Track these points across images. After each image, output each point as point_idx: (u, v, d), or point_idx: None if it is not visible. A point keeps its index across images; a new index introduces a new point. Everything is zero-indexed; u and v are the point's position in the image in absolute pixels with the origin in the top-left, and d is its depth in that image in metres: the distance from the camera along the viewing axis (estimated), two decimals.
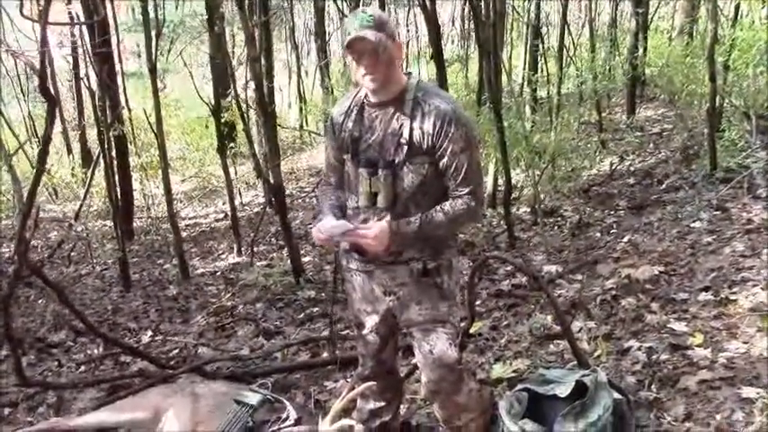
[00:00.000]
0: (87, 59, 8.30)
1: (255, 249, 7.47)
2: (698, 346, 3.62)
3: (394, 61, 2.49)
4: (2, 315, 3.36)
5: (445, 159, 2.50)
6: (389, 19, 2.47)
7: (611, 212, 6.68)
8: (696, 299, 4.19)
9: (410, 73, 2.66)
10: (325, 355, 4.41)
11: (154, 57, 6.65)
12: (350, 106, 2.68)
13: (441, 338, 2.67)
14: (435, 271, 2.66)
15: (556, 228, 6.52)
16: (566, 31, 9.91)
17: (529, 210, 7.03)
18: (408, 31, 21.12)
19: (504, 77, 7.99)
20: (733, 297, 4.10)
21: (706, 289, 4.29)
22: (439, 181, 2.56)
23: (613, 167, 8.08)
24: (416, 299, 2.68)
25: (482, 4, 6.57)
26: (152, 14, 9.13)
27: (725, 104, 7.63)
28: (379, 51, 2.43)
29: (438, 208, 2.53)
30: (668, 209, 6.28)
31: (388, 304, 2.75)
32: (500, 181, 7.14)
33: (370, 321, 2.85)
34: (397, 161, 2.53)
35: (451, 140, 2.47)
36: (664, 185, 7.09)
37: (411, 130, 2.50)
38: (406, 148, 2.51)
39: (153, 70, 6.45)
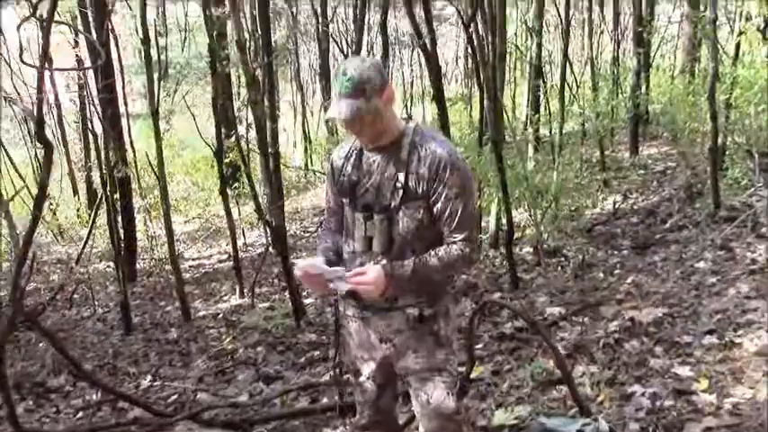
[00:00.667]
0: (91, 102, 8.34)
1: (257, 291, 7.43)
2: (703, 391, 3.55)
3: (382, 115, 2.46)
4: None
5: (440, 204, 2.48)
6: (374, 72, 2.40)
7: (615, 252, 6.63)
8: (701, 342, 4.12)
9: (410, 117, 2.66)
10: (325, 400, 4.35)
11: (156, 99, 6.68)
12: (350, 150, 2.68)
13: (438, 387, 2.63)
14: (432, 318, 2.62)
15: (559, 268, 6.46)
16: (568, 70, 9.98)
17: (531, 250, 6.98)
18: (412, 70, 21.31)
19: (506, 116, 8.02)
20: (738, 340, 4.04)
21: (711, 332, 4.23)
22: (434, 226, 2.53)
23: (616, 206, 8.04)
24: (413, 347, 2.64)
25: (484, 44, 6.61)
26: (158, 57, 9.25)
27: (727, 143, 7.61)
28: (359, 117, 2.41)
29: (432, 252, 2.50)
30: (672, 248, 6.23)
31: (385, 352, 2.71)
32: (502, 221, 7.12)
33: (367, 369, 2.81)
34: (392, 206, 2.52)
35: (446, 185, 2.46)
36: (667, 224, 7.04)
37: (407, 174, 2.49)
38: (401, 192, 2.50)
39: (155, 113, 6.48)
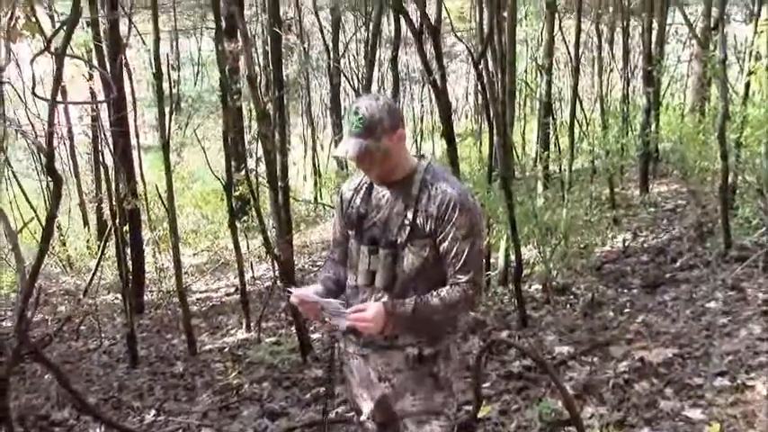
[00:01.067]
0: (103, 135, 8.40)
1: (264, 325, 7.39)
2: None
3: (391, 154, 2.48)
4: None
5: (446, 244, 2.47)
6: (386, 113, 2.42)
7: (625, 291, 6.57)
8: (712, 384, 4.06)
9: (422, 156, 2.66)
10: None
11: (167, 132, 6.72)
12: (360, 183, 2.70)
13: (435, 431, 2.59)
14: (432, 358, 2.60)
15: (568, 306, 6.41)
16: (577, 107, 10.01)
17: (540, 287, 6.93)
18: (422, 106, 21.42)
19: (515, 153, 8.02)
20: (750, 383, 3.98)
21: (722, 374, 4.17)
22: (439, 266, 2.52)
23: (626, 244, 8.00)
24: (411, 388, 2.61)
25: (493, 80, 6.63)
26: (170, 91, 9.32)
27: (738, 182, 7.58)
28: (368, 155, 2.44)
29: (434, 292, 2.48)
30: (682, 288, 6.18)
31: (383, 391, 2.68)
32: (511, 258, 7.07)
33: (367, 407, 2.78)
34: (398, 242, 2.52)
35: (454, 225, 2.45)
36: (678, 263, 6.99)
37: (415, 212, 2.50)
38: (408, 229, 2.50)
39: (166, 146, 6.51)
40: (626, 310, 5.98)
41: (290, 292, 2.62)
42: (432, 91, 6.92)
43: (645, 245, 7.98)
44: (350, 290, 2.68)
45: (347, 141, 2.42)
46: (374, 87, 16.19)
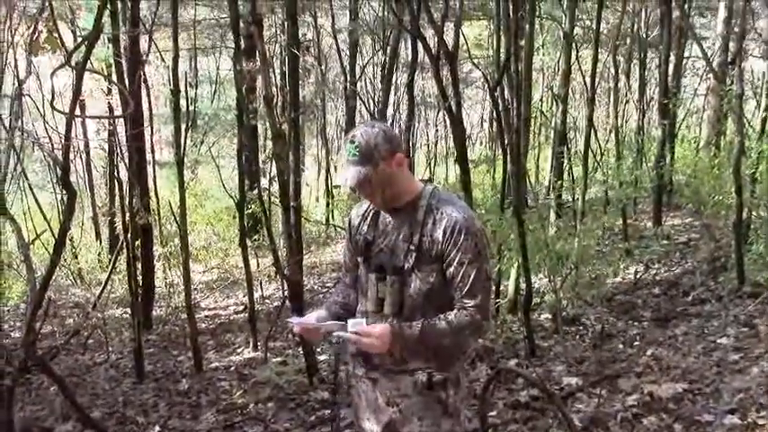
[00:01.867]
0: (119, 149, 8.46)
1: (271, 345, 7.36)
2: None
3: (392, 180, 2.50)
4: (5, 409, 3.29)
5: (452, 269, 2.47)
6: (381, 139, 2.45)
7: (635, 323, 6.52)
8: (722, 421, 4.01)
9: (429, 180, 2.67)
10: None
11: (182, 149, 6.75)
12: (367, 210, 2.71)
13: None
14: (441, 385, 2.57)
15: (577, 337, 6.36)
16: (592, 137, 10.00)
17: (550, 317, 6.88)
18: (437, 131, 21.48)
19: (529, 181, 8.01)
20: (762, 422, 3.92)
21: (732, 411, 4.11)
22: (447, 291, 2.51)
23: (638, 276, 7.95)
24: (418, 414, 2.58)
25: (509, 108, 6.64)
26: (187, 108, 9.40)
27: (753, 217, 7.53)
28: (367, 184, 2.46)
29: (441, 316, 2.48)
30: (694, 322, 6.12)
31: (391, 416, 2.65)
32: (521, 286, 7.04)
33: None
34: (405, 267, 2.52)
35: (460, 250, 2.45)
36: (690, 297, 6.94)
37: (421, 236, 2.50)
38: (414, 254, 2.51)
39: (180, 162, 6.54)
40: (636, 343, 5.93)
41: (291, 322, 2.64)
42: (447, 117, 6.94)
43: (657, 277, 7.92)
44: (359, 315, 2.67)
45: (346, 170, 2.46)
46: (390, 111, 16.25)
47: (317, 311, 2.75)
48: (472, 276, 2.45)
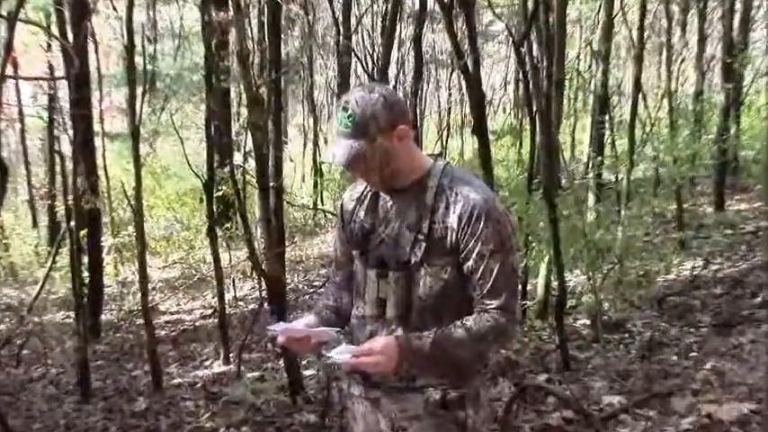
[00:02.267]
0: (61, 118, 8.45)
1: (246, 357, 7.39)
2: None
3: (392, 157, 2.47)
4: None
5: (470, 262, 2.45)
6: (381, 107, 2.42)
7: (692, 330, 6.54)
8: None
9: (439, 154, 2.65)
10: None
11: (138, 118, 6.73)
12: (364, 192, 2.69)
13: None
14: (457, 403, 2.56)
15: (621, 347, 6.38)
16: (640, 103, 9.98)
17: (588, 322, 6.90)
18: (450, 95, 21.45)
19: (562, 156, 8.01)
20: None
21: None
22: (464, 289, 2.49)
23: (695, 273, 7.96)
24: None
25: (538, 67, 6.63)
26: (144, 68, 9.37)
27: None
28: (362, 161, 2.45)
29: (458, 323, 2.45)
30: (762, 329, 6.13)
31: None
32: (553, 285, 7.04)
33: None
34: (412, 261, 2.49)
35: (479, 239, 2.42)
36: (758, 299, 6.95)
37: (431, 223, 2.47)
38: (423, 245, 2.48)
39: (135, 134, 6.52)
40: (692, 354, 5.95)
41: (274, 331, 2.59)
42: (462, 78, 6.92)
43: (718, 274, 7.93)
44: (356, 321, 2.66)
45: (336, 143, 2.45)
46: (392, 72, 16.22)
47: (304, 318, 2.74)
48: (495, 271, 2.43)
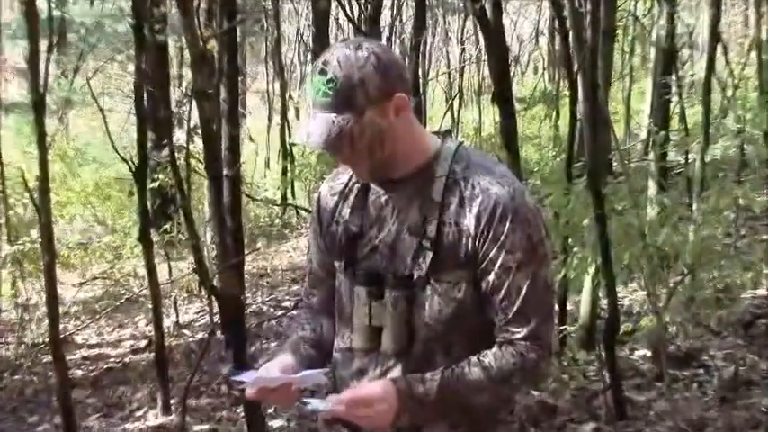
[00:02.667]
0: None
1: (192, 404, 7.39)
2: None
3: (386, 136, 2.46)
4: None
5: (492, 277, 2.44)
6: (372, 70, 2.38)
7: None
8: None
9: (448, 131, 2.66)
10: None
11: (44, 83, 6.73)
12: (348, 183, 2.69)
13: None
14: None
15: (694, 386, 6.41)
16: (718, 58, 10.02)
17: (649, 354, 6.93)
18: (463, 50, 21.45)
19: (613, 132, 8.01)
20: None
21: None
22: (483, 312, 2.50)
23: None
24: None
25: (580, 12, 6.65)
26: (50, 14, 9.38)
27: None
28: (348, 142, 2.43)
29: (474, 359, 2.45)
30: None
31: None
32: (601, 303, 7.06)
33: None
34: (415, 276, 2.49)
35: (503, 246, 2.42)
36: None
37: (440, 225, 2.47)
38: (430, 254, 2.46)
39: (39, 105, 6.51)
40: None
41: (241, 382, 2.55)
42: (479, 27, 6.94)
43: None
44: (339, 354, 2.67)
45: (311, 119, 2.44)
46: (385, 19, 16.22)
47: (277, 357, 2.67)
48: (524, 289, 2.43)
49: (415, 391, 2.42)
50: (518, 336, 2.45)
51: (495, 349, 2.47)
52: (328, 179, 2.79)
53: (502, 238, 2.41)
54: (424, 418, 2.49)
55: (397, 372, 2.50)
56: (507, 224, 2.41)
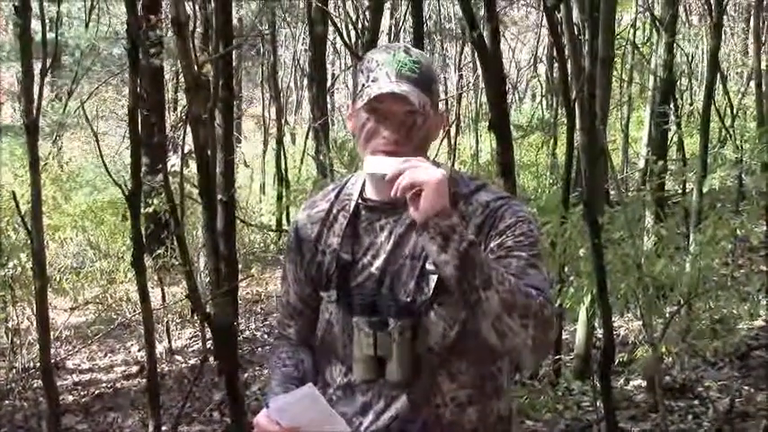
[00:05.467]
0: None
1: (185, 430, 7.39)
2: None
3: (429, 141, 2.51)
4: None
5: (495, 255, 2.41)
6: (438, 75, 2.47)
7: None
8: None
9: (437, 164, 2.62)
10: None
11: (37, 105, 6.76)
12: (330, 210, 2.65)
13: None
14: None
15: (689, 417, 6.41)
16: (717, 87, 10.05)
17: (644, 384, 6.94)
18: (461, 77, 21.50)
19: (610, 161, 8.04)
20: None
21: None
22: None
23: None
24: None
25: (578, 40, 6.69)
26: (43, 37, 9.41)
27: None
28: (418, 122, 2.41)
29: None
30: None
31: None
32: (597, 333, 7.08)
33: None
34: (419, 301, 2.46)
35: (506, 234, 2.43)
36: None
37: None
38: (435, 277, 2.43)
39: (32, 128, 6.54)
40: None
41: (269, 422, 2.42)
42: (476, 54, 6.98)
43: None
44: (338, 393, 2.61)
45: (398, 84, 2.38)
46: (383, 44, 16.26)
47: (278, 397, 2.51)
48: (529, 267, 2.39)
49: (455, 221, 2.29)
50: (530, 287, 2.34)
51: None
52: (305, 207, 2.74)
53: (505, 228, 2.43)
54: (447, 247, 2.28)
55: (402, 401, 2.48)
56: (508, 219, 2.44)
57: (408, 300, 2.47)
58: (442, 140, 18.69)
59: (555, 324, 2.45)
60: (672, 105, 11.26)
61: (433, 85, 2.43)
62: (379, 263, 2.53)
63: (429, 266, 2.44)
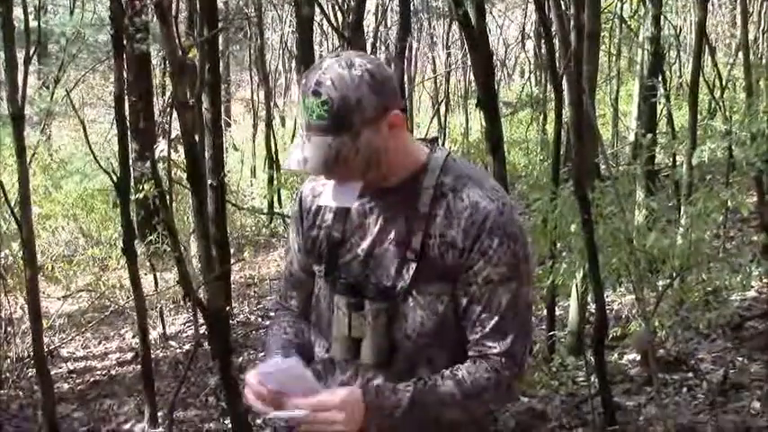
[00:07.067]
0: None
1: (180, 416, 7.39)
2: None
3: (380, 153, 2.42)
4: None
5: (473, 288, 2.44)
6: (366, 88, 2.32)
7: None
8: None
9: (435, 139, 2.63)
10: None
11: (22, 94, 6.73)
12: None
13: None
14: None
15: (684, 390, 6.42)
16: (705, 59, 10.04)
17: (638, 358, 6.94)
18: (448, 55, 21.46)
19: (599, 135, 8.03)
20: None
21: None
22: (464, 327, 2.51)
23: None
24: None
25: (563, 15, 6.67)
26: (25, 24, 9.38)
27: None
28: (343, 155, 2.36)
29: (448, 372, 2.44)
30: None
31: None
32: (590, 308, 7.08)
33: None
34: (398, 287, 2.48)
35: (489, 260, 2.42)
36: None
37: (425, 237, 2.46)
38: (414, 266, 2.46)
39: (18, 117, 6.52)
40: None
41: (277, 420, 2.45)
42: (462, 32, 6.96)
43: None
44: (321, 366, 2.64)
45: (303, 143, 2.37)
46: (369, 24, 16.21)
47: (272, 359, 2.56)
48: (504, 304, 2.43)
49: (384, 402, 2.40)
50: (494, 351, 2.44)
51: (468, 363, 2.46)
52: (310, 180, 2.75)
53: (489, 251, 2.41)
54: (392, 428, 2.44)
55: (378, 383, 2.48)
56: (495, 238, 2.41)
57: (388, 284, 2.49)
58: (432, 119, 18.71)
59: (518, 387, 2.57)
60: (660, 78, 11.25)
61: (353, 115, 2.32)
62: (365, 245, 2.54)
63: (409, 254, 2.46)
